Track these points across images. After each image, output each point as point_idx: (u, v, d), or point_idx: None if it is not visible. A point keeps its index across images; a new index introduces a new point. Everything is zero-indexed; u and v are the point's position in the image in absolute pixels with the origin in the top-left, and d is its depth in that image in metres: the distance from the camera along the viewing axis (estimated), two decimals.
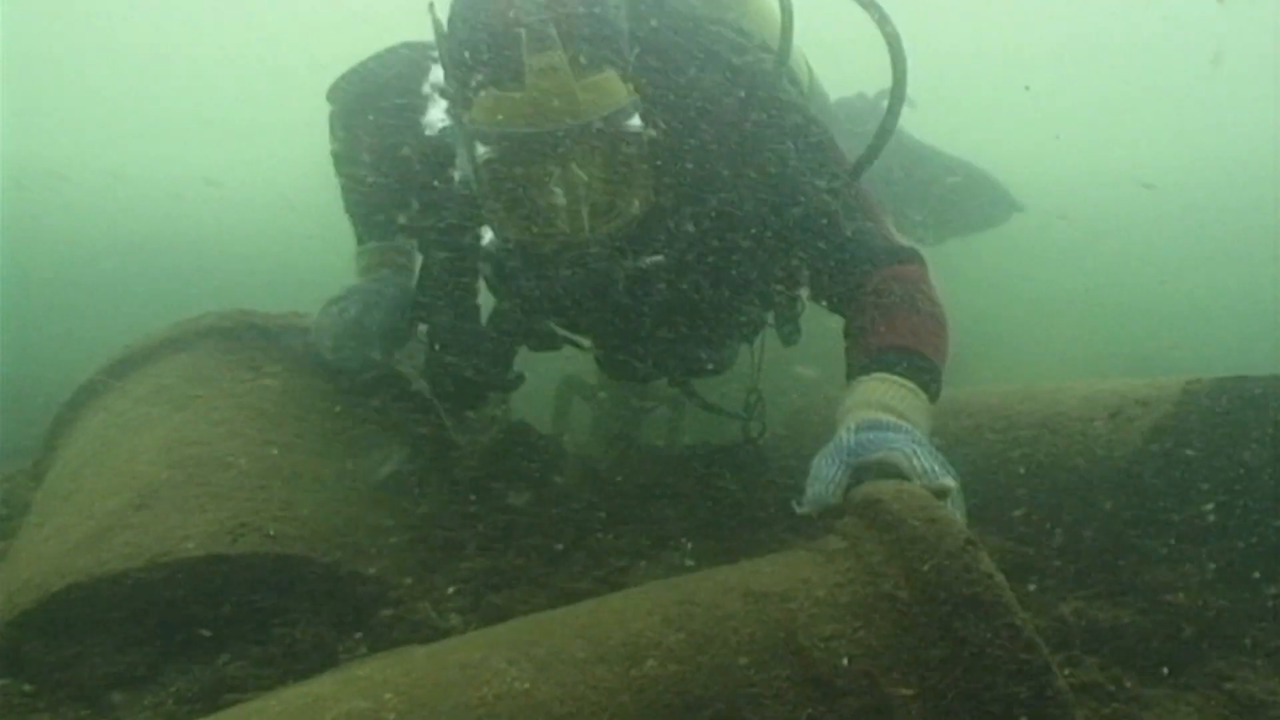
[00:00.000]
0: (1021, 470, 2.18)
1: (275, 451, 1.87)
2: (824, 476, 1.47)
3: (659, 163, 1.92)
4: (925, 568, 1.16)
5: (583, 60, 1.70)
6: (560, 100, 1.69)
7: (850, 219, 1.98)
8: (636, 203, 1.87)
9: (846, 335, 1.92)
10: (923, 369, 1.73)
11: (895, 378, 1.70)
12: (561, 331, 2.20)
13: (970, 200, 3.84)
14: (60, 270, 6.21)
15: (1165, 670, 1.66)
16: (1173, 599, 1.79)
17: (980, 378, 3.15)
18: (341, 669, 1.39)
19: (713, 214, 1.98)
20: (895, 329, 1.79)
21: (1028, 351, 4.76)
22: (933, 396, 1.73)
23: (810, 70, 2.98)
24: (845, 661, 1.13)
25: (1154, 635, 1.73)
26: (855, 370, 1.78)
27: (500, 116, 1.72)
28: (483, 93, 1.72)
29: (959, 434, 2.37)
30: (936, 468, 1.44)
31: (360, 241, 2.44)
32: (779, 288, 2.14)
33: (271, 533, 1.65)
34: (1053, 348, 4.97)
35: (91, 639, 1.50)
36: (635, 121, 1.77)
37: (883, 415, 1.59)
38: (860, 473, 1.47)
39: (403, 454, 2.08)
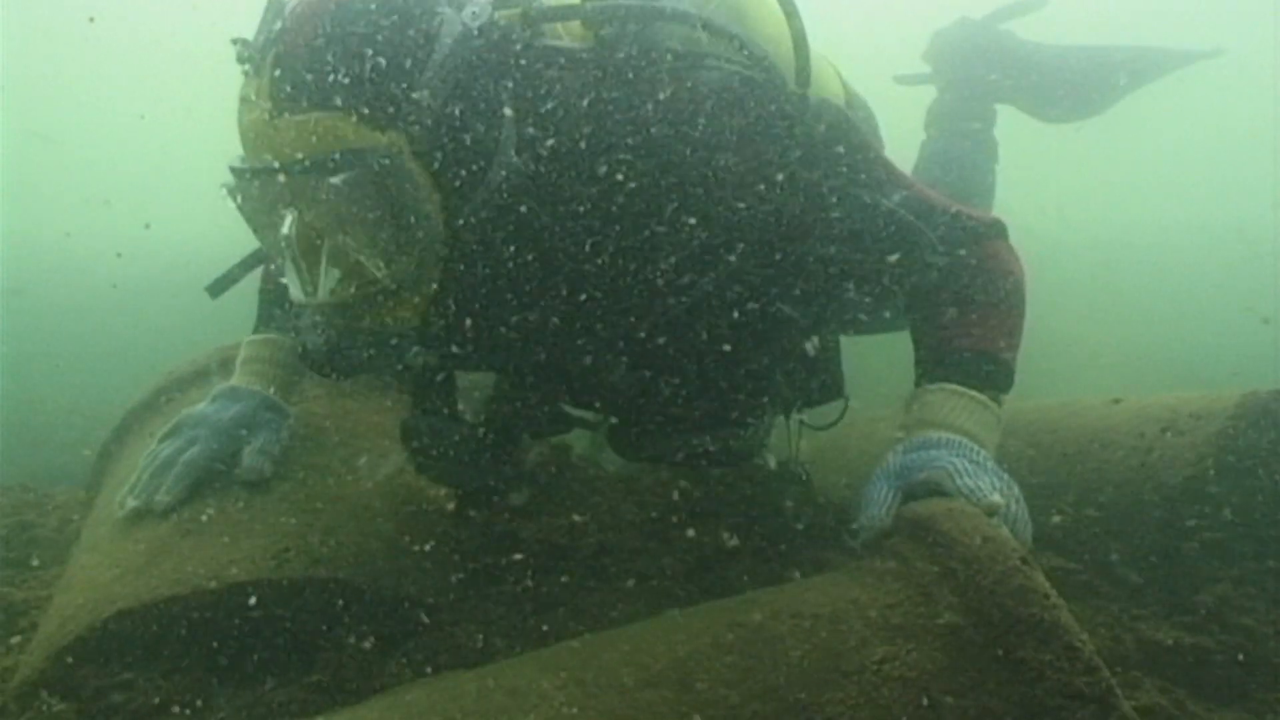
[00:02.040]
0: (1072, 486, 2.13)
1: (319, 475, 1.89)
2: (874, 500, 1.44)
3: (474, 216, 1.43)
4: (979, 588, 1.13)
5: (291, 91, 1.35)
6: (257, 134, 1.40)
7: (912, 209, 1.72)
8: (389, 264, 1.42)
9: (913, 332, 1.81)
10: (992, 372, 1.65)
11: (958, 388, 1.63)
12: (575, 411, 1.89)
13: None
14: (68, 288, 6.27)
15: (1233, 695, 1.61)
16: (1239, 620, 1.73)
17: (1031, 386, 3.10)
18: (388, 694, 1.38)
19: (692, 257, 1.60)
20: (966, 325, 1.70)
21: (1075, 358, 4.68)
22: (1002, 398, 1.67)
23: (845, 84, 2.64)
24: (899, 684, 1.10)
25: (1220, 658, 1.67)
26: (920, 377, 1.71)
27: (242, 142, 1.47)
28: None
29: (1005, 450, 2.33)
30: (983, 485, 1.39)
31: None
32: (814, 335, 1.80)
33: (316, 556, 1.65)
34: (1101, 356, 4.88)
35: (140, 665, 1.51)
36: (361, 173, 1.35)
37: (935, 433, 1.56)
38: (911, 492, 1.44)
39: (401, 456, 2.00)
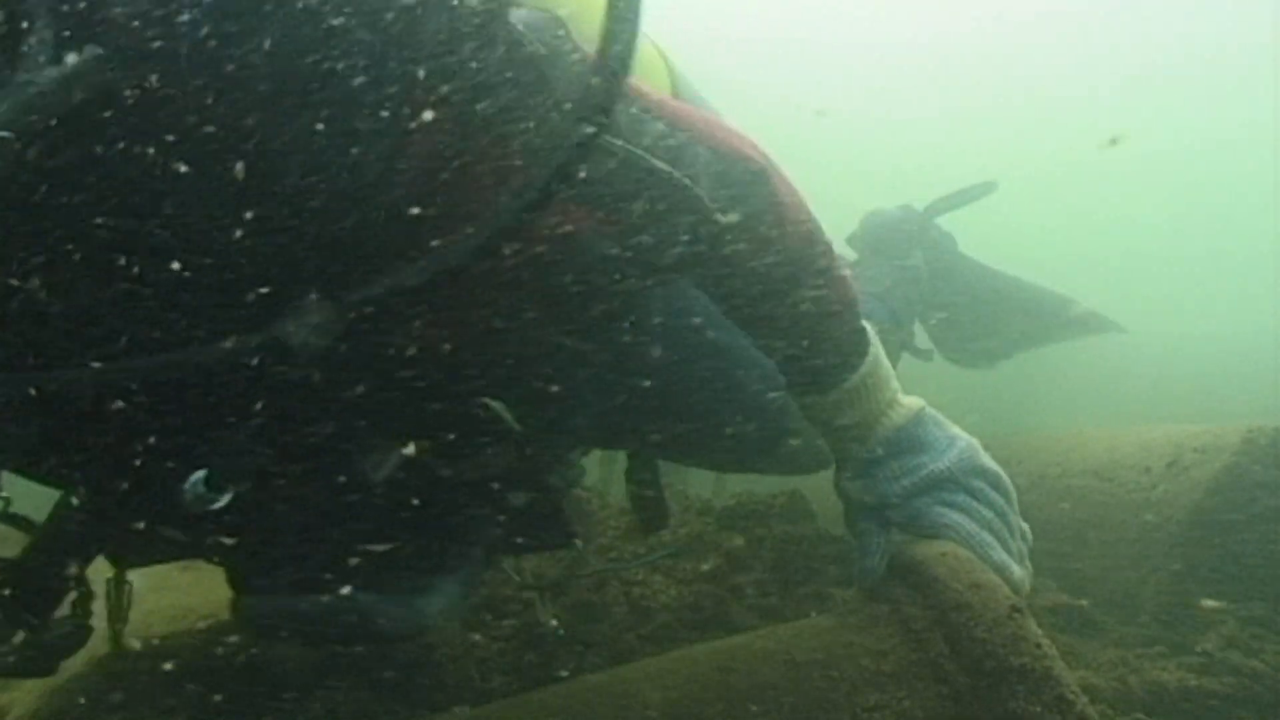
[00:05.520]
0: (1076, 520, 2.11)
1: None
2: (868, 548, 1.37)
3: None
4: (971, 636, 1.12)
5: None
6: None
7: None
8: None
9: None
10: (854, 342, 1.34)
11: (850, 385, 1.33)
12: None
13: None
14: None
15: None
16: (1246, 662, 1.71)
17: (1031, 419, 3.08)
18: None
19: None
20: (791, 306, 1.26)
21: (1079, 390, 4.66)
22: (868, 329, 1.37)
23: (672, 69, 1.80)
24: None
25: (1226, 700, 1.65)
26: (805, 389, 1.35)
27: None
28: None
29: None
30: (1011, 559, 1.30)
31: None
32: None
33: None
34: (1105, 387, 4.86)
35: (136, 702, 1.52)
36: None
37: (880, 440, 1.35)
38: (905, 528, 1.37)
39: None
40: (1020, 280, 3.43)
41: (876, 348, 1.38)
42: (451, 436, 1.12)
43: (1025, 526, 1.39)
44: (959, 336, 3.31)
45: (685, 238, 1.11)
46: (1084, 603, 1.97)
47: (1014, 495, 1.39)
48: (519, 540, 1.32)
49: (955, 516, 1.33)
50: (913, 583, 1.24)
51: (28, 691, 1.58)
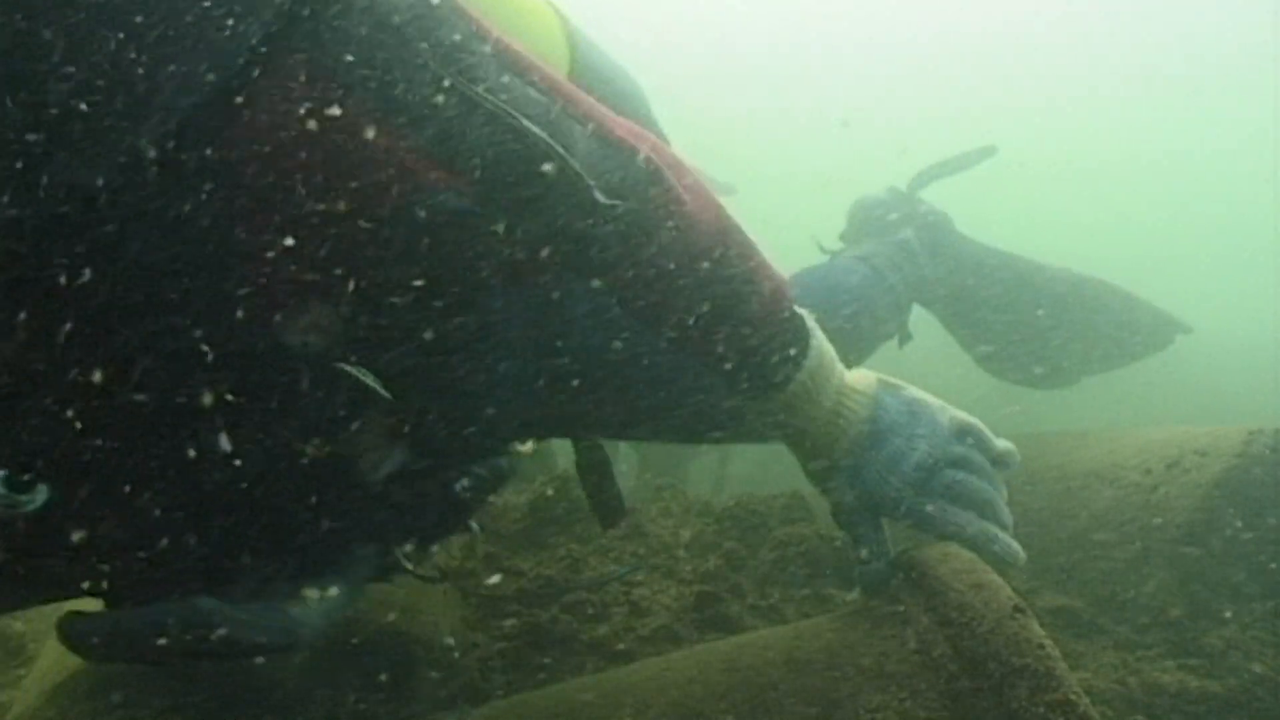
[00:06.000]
0: (1076, 522, 2.11)
1: None
2: (870, 551, 1.30)
3: None
4: (973, 637, 1.12)
5: None
6: None
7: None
8: None
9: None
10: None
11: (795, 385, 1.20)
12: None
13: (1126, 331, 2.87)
14: None
15: None
16: (1247, 664, 1.70)
17: (1031, 420, 3.08)
18: None
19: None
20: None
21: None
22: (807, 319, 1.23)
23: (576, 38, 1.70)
24: None
25: (1227, 703, 1.65)
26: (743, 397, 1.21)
27: None
28: None
29: (1010, 485, 2.31)
30: (1010, 540, 1.28)
31: None
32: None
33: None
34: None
35: (138, 703, 1.51)
36: None
37: (842, 449, 1.25)
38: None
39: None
40: (1046, 266, 2.92)
41: (819, 338, 1.23)
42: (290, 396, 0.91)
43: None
44: (1015, 354, 2.88)
45: (561, 214, 0.97)
46: (1083, 604, 1.97)
47: (987, 436, 1.32)
48: (414, 532, 1.13)
49: (956, 515, 1.28)
50: (915, 583, 1.24)
51: (27, 691, 1.57)
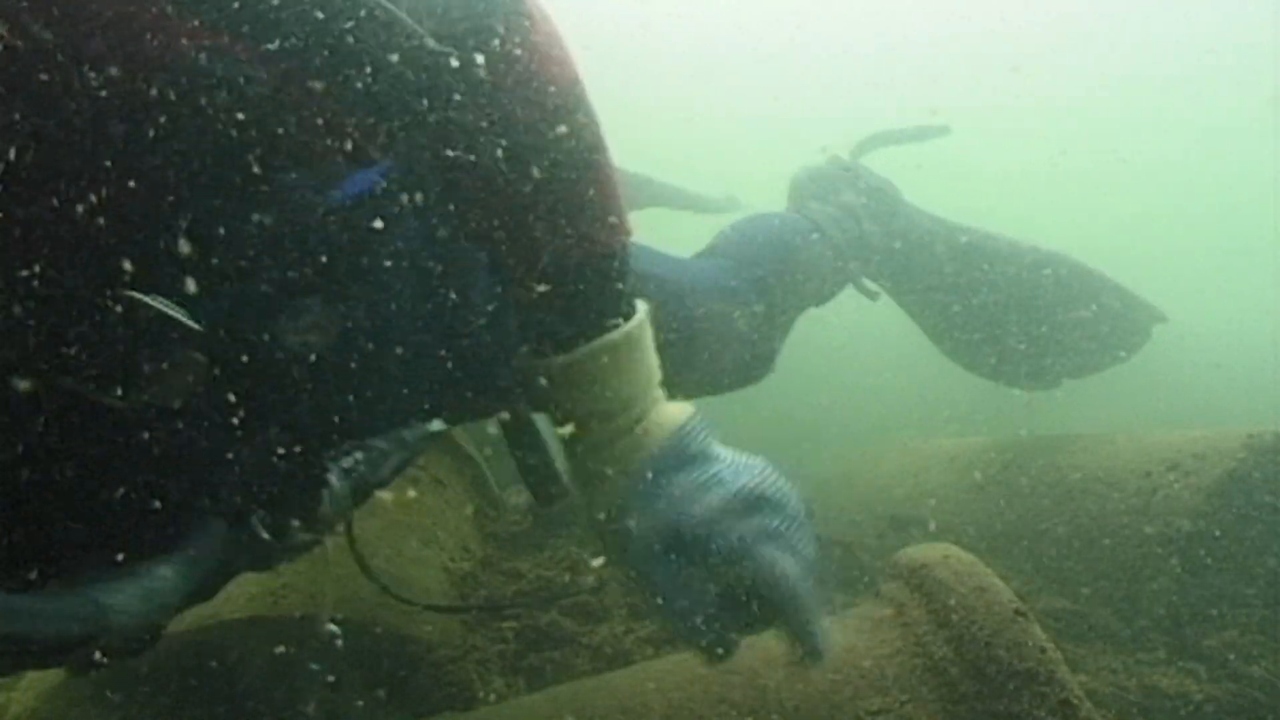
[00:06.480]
0: (1075, 525, 2.11)
1: None
2: (692, 595, 0.98)
3: None
4: (974, 639, 1.12)
5: None
6: None
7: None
8: None
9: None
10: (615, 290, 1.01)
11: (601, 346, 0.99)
12: None
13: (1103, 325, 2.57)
14: None
15: None
16: (1247, 668, 1.70)
17: (1030, 420, 3.08)
18: None
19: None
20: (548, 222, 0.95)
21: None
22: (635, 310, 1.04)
23: None
24: None
25: (1227, 707, 1.65)
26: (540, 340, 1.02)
27: None
28: None
29: (1010, 488, 2.31)
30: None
31: None
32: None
33: (313, 593, 1.65)
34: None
35: (133, 705, 1.51)
36: None
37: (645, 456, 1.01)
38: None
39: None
40: (999, 237, 2.64)
41: (644, 326, 1.04)
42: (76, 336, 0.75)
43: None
44: (971, 340, 2.61)
45: (375, 76, 0.81)
46: (1083, 607, 1.97)
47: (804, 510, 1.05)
48: (257, 501, 0.95)
49: (786, 563, 0.98)
50: (916, 586, 1.24)
51: (26, 691, 1.57)
